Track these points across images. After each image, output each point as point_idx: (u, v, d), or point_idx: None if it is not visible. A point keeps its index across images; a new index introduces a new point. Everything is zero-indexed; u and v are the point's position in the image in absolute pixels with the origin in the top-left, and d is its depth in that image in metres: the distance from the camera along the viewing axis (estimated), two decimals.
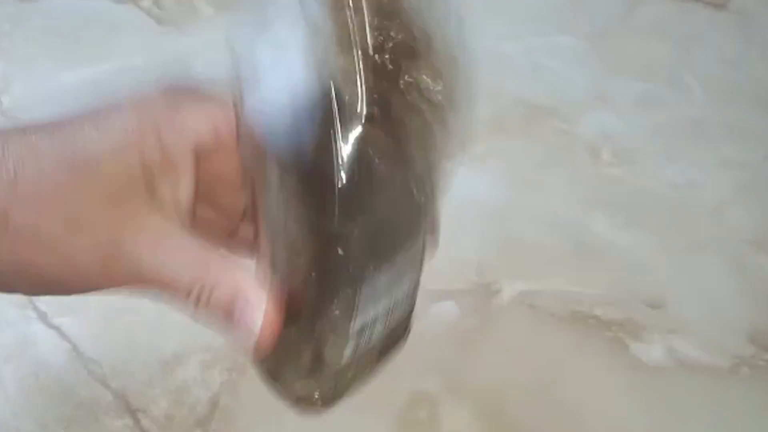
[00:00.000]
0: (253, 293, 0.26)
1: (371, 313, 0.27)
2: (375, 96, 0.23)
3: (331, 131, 0.23)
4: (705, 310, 0.58)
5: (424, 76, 0.25)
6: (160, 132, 0.25)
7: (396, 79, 0.24)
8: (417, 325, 0.59)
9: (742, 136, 0.69)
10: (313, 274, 0.25)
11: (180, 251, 0.25)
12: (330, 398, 0.30)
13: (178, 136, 0.26)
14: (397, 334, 0.31)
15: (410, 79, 0.24)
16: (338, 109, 0.23)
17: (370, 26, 0.23)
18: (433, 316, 0.57)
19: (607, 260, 0.60)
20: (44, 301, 0.57)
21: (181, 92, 0.27)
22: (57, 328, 0.56)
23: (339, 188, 0.23)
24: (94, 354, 0.54)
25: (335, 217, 0.24)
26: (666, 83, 0.74)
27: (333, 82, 0.23)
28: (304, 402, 0.30)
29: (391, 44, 0.23)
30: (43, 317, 0.56)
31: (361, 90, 0.23)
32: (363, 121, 0.23)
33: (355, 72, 0.23)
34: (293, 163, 0.24)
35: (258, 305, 0.25)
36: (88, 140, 0.25)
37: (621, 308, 0.58)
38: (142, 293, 0.26)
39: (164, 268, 0.25)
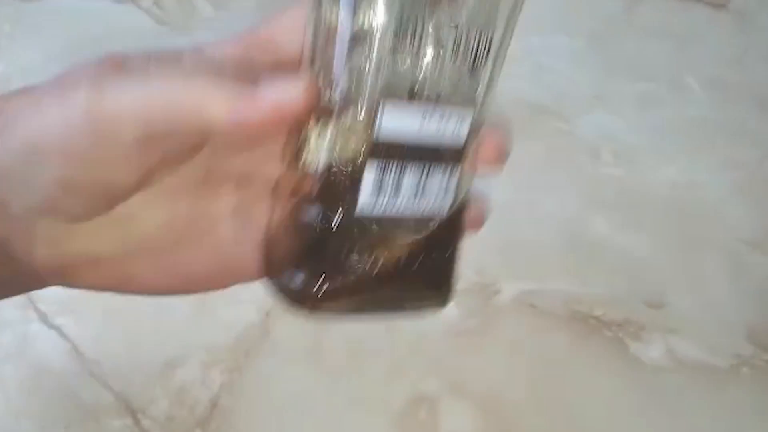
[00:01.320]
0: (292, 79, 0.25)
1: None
2: None
3: None
4: (705, 310, 0.58)
5: None
6: None
7: None
8: (417, 325, 0.60)
9: (742, 136, 0.69)
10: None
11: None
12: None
13: None
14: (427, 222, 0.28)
15: None
16: None
17: None
18: (433, 316, 0.57)
19: (607, 260, 0.61)
20: (44, 302, 0.57)
21: None
22: (57, 329, 0.56)
23: None
24: (95, 354, 0.54)
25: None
26: (666, 83, 0.74)
27: None
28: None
29: None
30: (43, 317, 0.56)
31: None
32: None
33: None
34: None
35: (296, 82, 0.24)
36: None
37: (621, 308, 0.58)
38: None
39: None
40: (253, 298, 0.57)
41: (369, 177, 0.26)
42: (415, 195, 0.27)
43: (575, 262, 0.60)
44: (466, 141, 0.28)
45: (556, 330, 0.57)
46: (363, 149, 0.25)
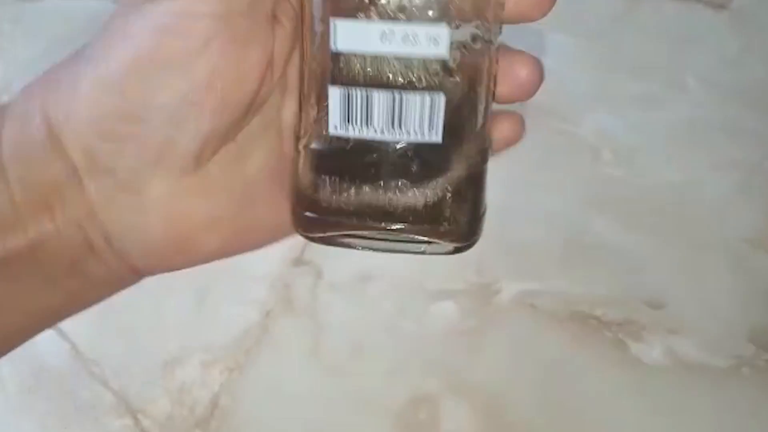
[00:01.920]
0: None
1: None
2: None
3: None
4: (705, 310, 0.58)
5: None
6: None
7: None
8: (416, 325, 0.60)
9: (743, 136, 0.69)
10: None
11: None
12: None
13: None
14: None
15: None
16: None
17: None
18: (433, 316, 0.57)
19: (607, 260, 0.60)
20: None
21: None
22: (57, 329, 0.56)
23: None
24: (94, 354, 0.55)
25: None
26: (666, 83, 0.74)
27: None
28: None
29: None
30: None
31: None
32: None
33: None
34: None
35: None
36: None
37: (621, 308, 0.58)
38: None
39: None
40: (253, 298, 0.57)
41: (334, 104, 0.25)
42: (392, 125, 0.26)
43: (575, 262, 0.60)
44: (448, 63, 0.26)
45: (556, 330, 0.57)
46: (326, 76, 0.25)
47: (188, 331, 0.56)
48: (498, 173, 0.58)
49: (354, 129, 0.25)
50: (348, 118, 0.25)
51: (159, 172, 0.24)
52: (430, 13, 0.25)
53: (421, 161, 0.27)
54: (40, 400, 0.52)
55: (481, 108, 0.29)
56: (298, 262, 0.60)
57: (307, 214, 0.28)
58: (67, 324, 0.56)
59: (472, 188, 0.31)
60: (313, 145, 0.27)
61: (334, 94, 0.25)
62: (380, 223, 0.28)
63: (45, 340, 0.55)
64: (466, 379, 0.54)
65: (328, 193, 0.27)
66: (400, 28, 0.25)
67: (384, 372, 0.54)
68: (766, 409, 0.53)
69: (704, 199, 0.65)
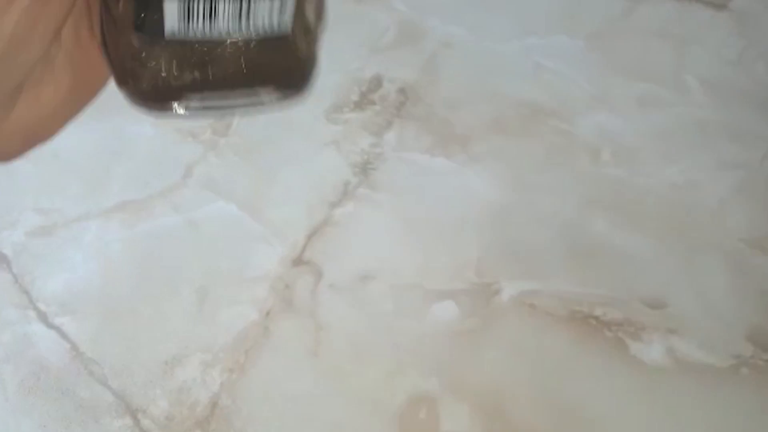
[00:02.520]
0: None
1: None
2: None
3: None
4: (704, 311, 0.58)
5: None
6: None
7: None
8: (416, 325, 0.59)
9: (742, 137, 0.69)
10: None
11: None
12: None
13: None
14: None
15: None
16: None
17: None
18: (433, 316, 0.57)
19: (607, 260, 0.60)
20: (44, 302, 0.57)
21: None
22: (57, 329, 0.56)
23: None
24: (94, 354, 0.54)
25: None
26: (666, 83, 0.74)
27: None
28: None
29: None
30: (43, 317, 0.56)
31: None
32: None
33: None
34: None
35: None
36: None
37: (621, 308, 0.58)
38: None
39: None
40: (253, 298, 0.57)
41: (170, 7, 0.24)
42: (240, 17, 0.25)
43: (575, 262, 0.60)
44: None
45: (556, 330, 0.57)
46: None
47: (188, 332, 0.56)
48: (498, 173, 0.59)
49: (195, 28, 0.24)
50: (188, 17, 0.24)
51: None
52: None
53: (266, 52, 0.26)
54: (41, 400, 0.52)
55: None
56: (298, 262, 0.60)
57: (143, 86, 0.25)
58: (67, 324, 0.56)
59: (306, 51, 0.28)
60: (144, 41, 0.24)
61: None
62: (214, 89, 0.26)
63: (45, 340, 0.55)
64: (465, 379, 0.54)
65: (163, 75, 0.25)
66: None
67: (384, 372, 0.54)
68: (765, 408, 0.53)
69: (704, 199, 0.65)
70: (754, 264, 0.61)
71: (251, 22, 0.24)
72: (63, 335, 0.55)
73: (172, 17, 0.23)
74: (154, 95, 0.26)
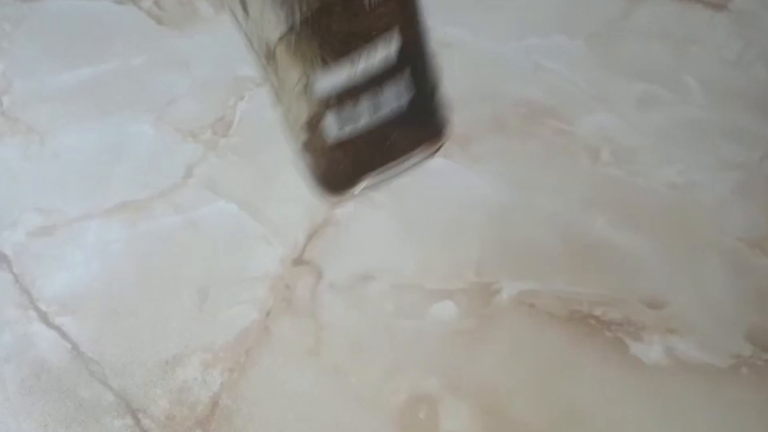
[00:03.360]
0: None
1: None
2: None
3: None
4: (704, 311, 0.58)
5: None
6: None
7: None
8: (416, 325, 0.60)
9: (741, 137, 0.70)
10: None
11: None
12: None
13: None
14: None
15: None
16: None
17: None
18: (433, 316, 0.57)
19: (606, 260, 0.61)
20: (45, 302, 0.57)
21: None
22: (58, 329, 0.56)
23: None
24: (95, 354, 0.55)
25: None
26: (665, 84, 0.74)
27: None
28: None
29: None
30: (43, 317, 0.56)
31: None
32: None
33: None
34: None
35: None
36: None
37: (620, 308, 0.58)
38: None
39: None
40: (253, 298, 0.58)
41: (330, 120, 0.34)
42: (374, 111, 0.34)
43: (575, 262, 0.60)
44: (400, 53, 0.34)
45: (556, 330, 0.57)
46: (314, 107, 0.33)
47: (189, 331, 0.56)
48: (498, 173, 0.59)
49: (347, 130, 0.35)
50: (342, 126, 0.35)
51: None
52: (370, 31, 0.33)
53: (401, 114, 0.36)
54: (41, 400, 0.52)
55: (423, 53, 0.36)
56: (299, 262, 0.60)
57: (335, 177, 0.38)
58: (68, 324, 0.56)
59: (434, 105, 0.39)
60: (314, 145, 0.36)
61: (330, 120, 0.35)
62: (387, 162, 0.38)
63: (46, 340, 0.55)
64: (465, 379, 0.54)
65: (345, 163, 0.37)
66: (360, 53, 0.33)
67: (384, 371, 0.54)
68: (765, 408, 0.53)
69: (703, 199, 0.65)
70: (753, 264, 0.61)
71: (385, 106, 0.34)
72: (63, 335, 0.56)
73: (331, 124, 0.34)
74: (334, 184, 0.38)
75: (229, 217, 0.62)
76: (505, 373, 0.54)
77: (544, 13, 0.77)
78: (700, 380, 0.54)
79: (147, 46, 0.75)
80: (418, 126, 0.39)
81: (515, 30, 0.76)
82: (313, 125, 0.35)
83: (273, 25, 0.31)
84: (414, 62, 0.35)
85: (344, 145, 0.36)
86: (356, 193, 0.39)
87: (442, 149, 0.41)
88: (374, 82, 0.34)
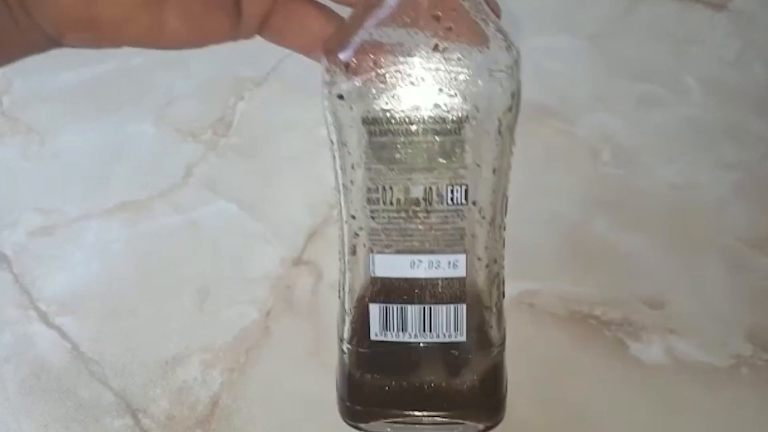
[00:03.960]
0: None
1: None
2: None
3: None
4: (704, 310, 0.58)
5: None
6: None
7: None
8: None
9: (741, 137, 0.70)
10: None
11: None
12: None
13: None
14: None
15: None
16: None
17: None
18: None
19: (606, 260, 0.61)
20: (45, 302, 0.57)
21: None
22: (57, 328, 0.56)
23: None
24: (95, 354, 0.55)
25: None
26: (665, 84, 0.74)
27: None
28: None
29: None
30: (43, 317, 0.56)
31: None
32: None
33: None
34: None
35: None
36: None
37: (620, 308, 0.58)
38: None
39: None
40: (253, 298, 0.58)
41: (374, 314, 0.32)
42: (423, 330, 0.32)
43: (575, 262, 0.60)
44: (462, 281, 0.32)
45: (556, 330, 0.57)
46: (366, 294, 0.31)
47: (189, 331, 0.56)
48: None
49: (391, 335, 0.32)
50: (386, 327, 0.32)
51: None
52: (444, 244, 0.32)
53: (450, 357, 0.33)
54: (41, 400, 0.52)
55: (494, 311, 0.34)
56: (299, 262, 0.60)
57: (355, 407, 0.35)
58: (68, 324, 0.56)
59: (495, 375, 0.36)
60: (356, 348, 0.33)
61: (374, 310, 0.32)
62: (418, 411, 0.33)
63: (46, 340, 0.55)
64: None
65: (371, 387, 0.33)
66: (426, 258, 0.31)
67: None
68: (765, 407, 0.53)
69: (703, 199, 0.65)
70: (753, 264, 0.61)
71: (433, 329, 0.32)
72: (63, 335, 0.56)
73: (375, 319, 0.32)
74: (351, 410, 0.35)
75: (229, 217, 0.62)
76: None
77: (545, 13, 0.77)
78: (700, 380, 0.54)
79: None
80: (468, 391, 0.34)
81: (515, 30, 0.76)
82: (357, 319, 0.33)
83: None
84: (475, 305, 0.34)
85: (380, 357, 0.33)
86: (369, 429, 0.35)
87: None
88: (430, 295, 0.32)
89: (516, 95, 0.32)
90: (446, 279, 0.32)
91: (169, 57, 0.74)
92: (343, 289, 0.33)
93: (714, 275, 0.60)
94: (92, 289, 0.58)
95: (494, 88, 0.31)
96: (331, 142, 0.31)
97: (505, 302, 0.59)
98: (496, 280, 0.34)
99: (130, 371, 0.54)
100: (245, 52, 0.74)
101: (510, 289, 0.59)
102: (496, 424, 0.36)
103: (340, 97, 0.29)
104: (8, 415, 0.51)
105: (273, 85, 0.72)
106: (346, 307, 0.33)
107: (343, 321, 0.33)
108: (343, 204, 0.31)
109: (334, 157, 0.31)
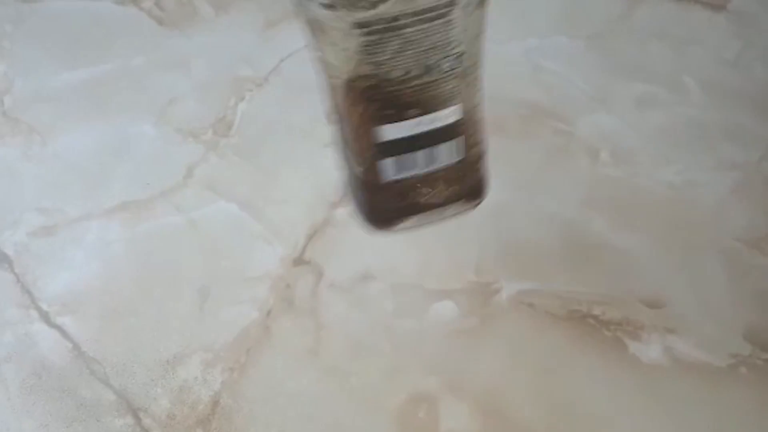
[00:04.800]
0: None
1: None
2: None
3: None
4: (703, 310, 0.58)
5: None
6: None
7: None
8: (416, 325, 0.60)
9: (740, 137, 0.70)
10: None
11: None
12: None
13: None
14: None
15: None
16: None
17: None
18: (433, 316, 0.57)
19: (605, 260, 0.61)
20: (46, 301, 0.57)
21: None
22: (59, 328, 0.56)
23: None
24: (96, 354, 0.55)
25: None
26: (665, 84, 0.74)
27: None
28: None
29: None
30: (44, 317, 0.57)
31: None
32: None
33: None
34: None
35: None
36: None
37: (619, 308, 0.58)
38: None
39: None
40: (254, 298, 0.58)
41: (388, 163, 0.40)
42: (428, 164, 0.41)
43: (574, 261, 0.61)
44: (459, 120, 0.40)
45: (555, 329, 0.57)
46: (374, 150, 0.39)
47: (189, 331, 0.56)
48: (498, 173, 0.59)
49: (403, 174, 0.42)
50: (398, 172, 0.41)
51: None
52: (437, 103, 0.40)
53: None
54: (42, 400, 0.53)
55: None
56: (299, 262, 0.60)
57: (382, 214, 0.45)
58: (69, 324, 0.56)
59: (480, 159, 0.47)
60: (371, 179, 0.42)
61: (388, 162, 0.41)
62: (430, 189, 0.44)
63: (47, 339, 0.55)
64: (465, 378, 0.54)
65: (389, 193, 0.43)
66: (424, 117, 0.40)
67: (384, 371, 0.54)
68: (764, 407, 0.53)
69: (702, 199, 0.65)
70: (752, 264, 0.61)
71: (438, 161, 0.40)
72: (65, 335, 0.56)
73: (388, 168, 0.41)
74: (378, 219, 0.44)
75: (229, 217, 0.62)
76: (504, 372, 0.54)
77: (544, 13, 0.77)
78: (699, 379, 0.54)
79: (147, 47, 0.75)
80: (462, 182, 0.45)
81: (515, 31, 0.76)
82: (371, 163, 0.41)
83: (343, 66, 0.34)
84: (469, 129, 0.41)
85: (394, 186, 0.42)
86: (396, 230, 0.46)
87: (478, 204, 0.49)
88: (432, 140, 0.40)
89: None
90: (444, 123, 0.39)
91: (169, 57, 0.74)
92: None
93: (713, 275, 0.60)
94: (93, 289, 0.58)
95: None
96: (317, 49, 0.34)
97: (505, 302, 0.59)
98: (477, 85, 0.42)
99: (131, 371, 0.54)
100: (246, 53, 0.74)
101: (509, 289, 0.59)
102: (480, 199, 0.48)
103: (330, 6, 0.31)
104: (9, 415, 0.52)
105: (274, 86, 0.72)
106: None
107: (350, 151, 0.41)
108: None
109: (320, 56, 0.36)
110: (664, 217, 0.64)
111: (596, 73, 0.74)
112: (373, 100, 0.37)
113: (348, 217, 0.62)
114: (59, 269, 0.59)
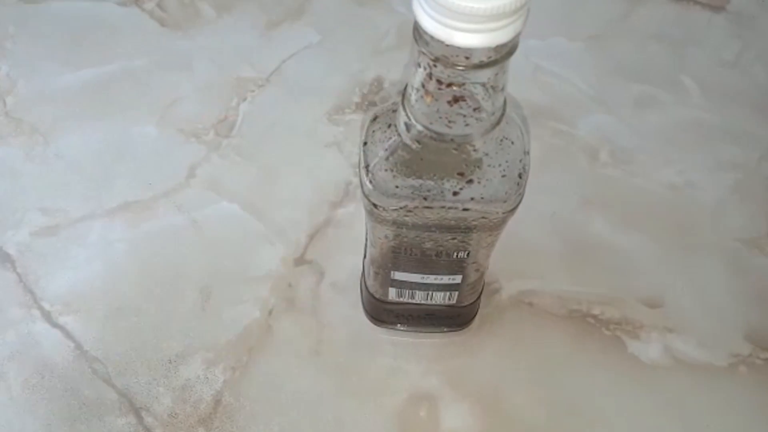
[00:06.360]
0: None
1: None
2: None
3: None
4: (703, 310, 0.58)
5: None
6: None
7: None
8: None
9: (740, 138, 0.70)
10: None
11: None
12: None
13: None
14: None
15: None
16: None
17: None
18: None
19: (605, 260, 0.61)
20: (49, 301, 0.58)
21: None
22: (61, 327, 0.56)
23: None
24: (98, 353, 0.55)
25: None
26: (664, 85, 0.74)
27: None
28: None
29: None
30: (47, 316, 0.57)
31: None
32: None
33: None
34: None
35: None
36: None
37: (619, 307, 0.58)
38: None
39: None
40: (256, 297, 0.58)
41: (391, 292, 0.50)
42: (425, 299, 0.50)
43: (574, 261, 0.61)
44: (461, 284, 0.49)
45: (555, 329, 0.57)
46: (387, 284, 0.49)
47: (192, 330, 0.57)
48: None
49: (403, 299, 0.51)
50: (400, 297, 0.51)
51: None
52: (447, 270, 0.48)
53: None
54: (45, 399, 0.53)
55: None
56: (301, 261, 0.60)
57: (377, 318, 0.56)
58: (71, 323, 0.56)
59: (476, 296, 0.55)
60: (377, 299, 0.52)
61: (392, 291, 0.50)
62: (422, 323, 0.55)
63: (49, 339, 0.55)
64: (465, 378, 0.54)
65: (388, 309, 0.54)
66: (432, 275, 0.48)
67: (385, 370, 0.55)
68: (764, 407, 0.54)
69: (701, 199, 0.65)
70: (751, 264, 0.61)
71: (433, 300, 0.50)
72: (67, 334, 0.56)
73: (391, 293, 0.51)
74: (373, 316, 0.55)
75: (231, 217, 0.63)
76: (504, 372, 0.55)
77: (544, 15, 0.78)
78: (699, 379, 0.55)
79: (150, 48, 0.75)
80: (454, 318, 0.54)
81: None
82: (380, 285, 0.50)
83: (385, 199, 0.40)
84: (470, 286, 0.49)
85: (395, 304, 0.52)
86: (392, 328, 0.56)
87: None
88: (433, 288, 0.48)
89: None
90: (445, 284, 0.48)
91: (172, 58, 0.74)
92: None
93: (713, 275, 0.60)
94: (96, 289, 0.58)
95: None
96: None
97: (505, 302, 0.59)
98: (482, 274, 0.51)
99: (134, 370, 0.54)
100: (248, 54, 0.75)
101: (509, 288, 0.59)
102: (464, 327, 0.56)
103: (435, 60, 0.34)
104: (12, 414, 0.52)
105: (275, 86, 0.72)
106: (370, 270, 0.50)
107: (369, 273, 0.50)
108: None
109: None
110: (664, 216, 0.64)
111: (596, 74, 0.74)
112: (397, 252, 0.44)
113: (349, 217, 0.62)
114: (61, 269, 0.59)
